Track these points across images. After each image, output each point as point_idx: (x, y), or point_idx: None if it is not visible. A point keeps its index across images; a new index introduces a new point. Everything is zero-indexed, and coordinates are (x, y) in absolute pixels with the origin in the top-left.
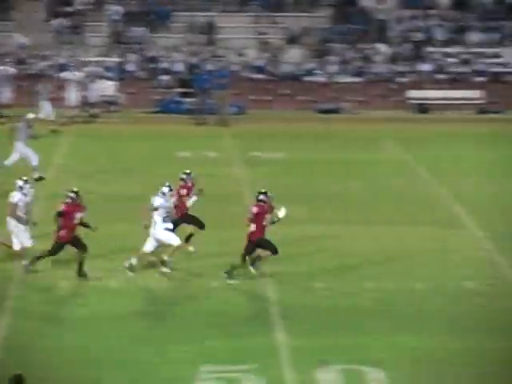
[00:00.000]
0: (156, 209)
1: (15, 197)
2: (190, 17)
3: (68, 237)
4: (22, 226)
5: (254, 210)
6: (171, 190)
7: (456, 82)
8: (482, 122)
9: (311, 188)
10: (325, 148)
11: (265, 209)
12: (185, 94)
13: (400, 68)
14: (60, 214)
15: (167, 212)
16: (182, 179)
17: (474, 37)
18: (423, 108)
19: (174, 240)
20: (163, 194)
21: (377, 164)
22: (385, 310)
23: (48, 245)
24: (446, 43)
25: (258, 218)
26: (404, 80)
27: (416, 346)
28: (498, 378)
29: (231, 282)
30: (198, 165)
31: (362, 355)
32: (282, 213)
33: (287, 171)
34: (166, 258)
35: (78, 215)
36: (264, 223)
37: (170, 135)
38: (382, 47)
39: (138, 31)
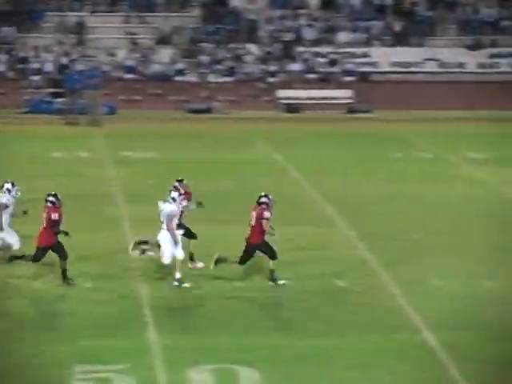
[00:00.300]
0: (168, 216)
1: (4, 199)
2: (60, 17)
3: (55, 240)
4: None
5: (267, 215)
6: (181, 194)
7: (325, 81)
8: (352, 122)
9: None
10: (196, 148)
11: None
12: (55, 94)
13: (270, 68)
14: (55, 223)
15: (176, 218)
16: (175, 187)
17: (342, 37)
18: (293, 108)
19: (179, 253)
20: (173, 199)
21: (247, 164)
22: (257, 309)
23: None
24: (316, 43)
25: (259, 222)
26: (274, 80)
27: (290, 344)
28: (372, 374)
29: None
30: (70, 165)
31: (235, 355)
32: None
33: (158, 171)
34: (178, 276)
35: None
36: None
37: (41, 135)
38: (253, 47)
39: (8, 31)
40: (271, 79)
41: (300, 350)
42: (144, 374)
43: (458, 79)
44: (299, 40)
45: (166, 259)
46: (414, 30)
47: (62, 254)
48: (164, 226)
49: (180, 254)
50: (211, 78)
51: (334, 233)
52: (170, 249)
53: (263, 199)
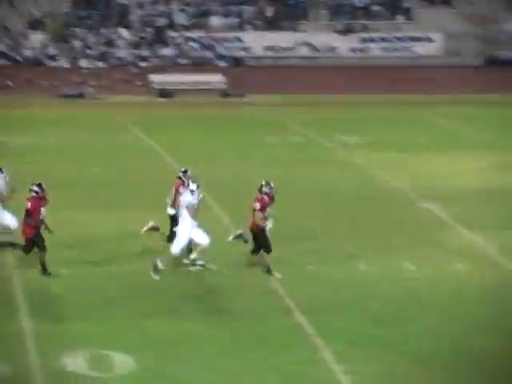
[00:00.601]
0: (187, 207)
1: None
2: None
3: (35, 232)
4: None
5: (257, 206)
6: (199, 187)
7: (198, 66)
8: (226, 106)
9: (54, 173)
10: (69, 133)
11: (266, 202)
12: None
13: (143, 53)
14: (28, 213)
15: (195, 210)
16: (179, 178)
17: (215, 21)
18: (166, 92)
19: (204, 239)
20: (192, 191)
21: (121, 149)
22: (131, 293)
23: None
24: (188, 28)
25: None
26: (147, 65)
27: (163, 328)
28: (245, 358)
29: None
30: None
31: (108, 340)
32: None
33: (30, 157)
34: (193, 256)
35: (43, 210)
36: (265, 215)
37: None
38: (124, 32)
39: None
40: (143, 64)
41: (173, 333)
42: (17, 360)
43: (330, 64)
44: (171, 25)
45: (206, 240)
46: (286, 15)
47: (41, 247)
48: (184, 216)
49: (204, 240)
50: (83, 64)
51: (208, 217)
52: (185, 240)
53: (264, 189)
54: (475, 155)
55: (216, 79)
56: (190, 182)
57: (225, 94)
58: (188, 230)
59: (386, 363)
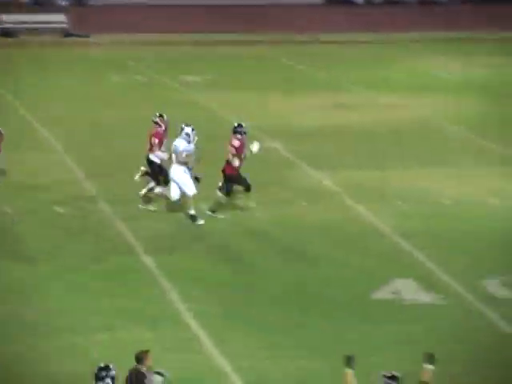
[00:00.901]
0: (181, 152)
1: None
2: None
3: None
4: None
5: (236, 143)
6: (193, 130)
7: (39, 5)
8: (70, 46)
9: None
10: None
11: (244, 142)
12: None
13: None
14: None
15: (191, 155)
16: (155, 122)
17: None
18: (7, 32)
19: (191, 189)
20: (187, 135)
21: None
22: None
23: None
24: None
25: (238, 152)
26: None
27: (19, 273)
28: (91, 296)
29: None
30: None
31: None
32: (255, 147)
33: None
34: (192, 212)
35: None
36: (242, 157)
37: None
38: None
39: None
40: None
41: (31, 278)
42: None
43: (177, 3)
44: None
45: (174, 195)
46: None
47: None
48: (177, 161)
49: (191, 190)
50: None
51: (51, 158)
52: (189, 181)
53: (239, 128)
54: (321, 94)
55: (58, 19)
56: (183, 125)
57: (67, 33)
58: (183, 175)
59: (231, 303)
